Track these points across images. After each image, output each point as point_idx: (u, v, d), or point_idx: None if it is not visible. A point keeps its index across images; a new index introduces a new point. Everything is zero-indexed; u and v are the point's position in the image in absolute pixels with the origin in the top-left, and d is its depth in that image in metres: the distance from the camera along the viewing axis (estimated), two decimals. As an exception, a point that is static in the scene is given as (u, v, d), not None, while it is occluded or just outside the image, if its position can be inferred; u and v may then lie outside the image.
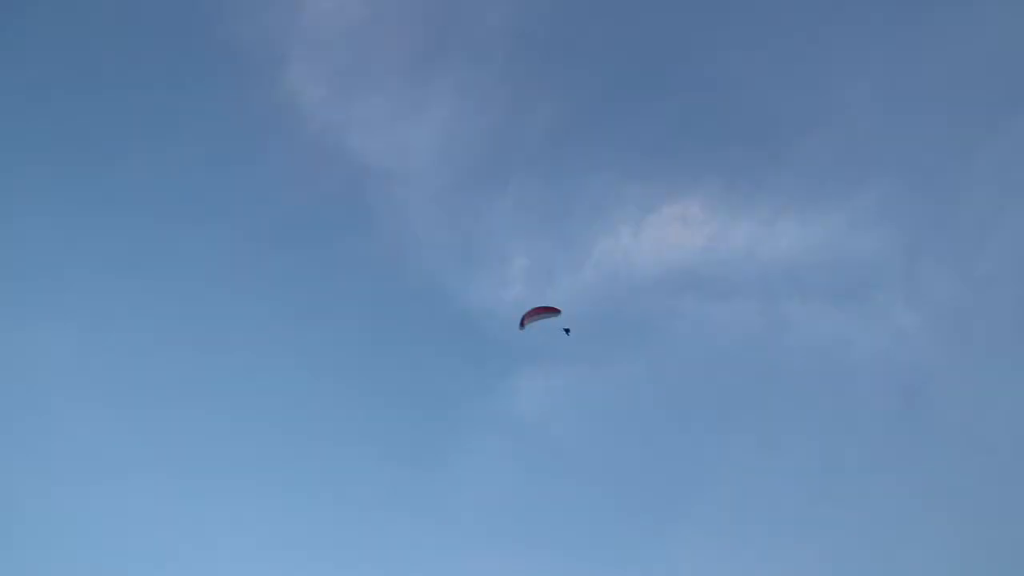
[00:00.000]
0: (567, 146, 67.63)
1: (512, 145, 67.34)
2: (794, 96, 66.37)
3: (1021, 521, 49.54)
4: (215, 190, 64.52)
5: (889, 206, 61.43)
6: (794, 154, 63.90)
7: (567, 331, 40.52)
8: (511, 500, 53.75)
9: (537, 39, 69.20)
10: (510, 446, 56.02)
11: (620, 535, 53.93)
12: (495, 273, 64.28)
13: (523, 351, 60.96)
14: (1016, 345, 55.79)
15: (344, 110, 67.09)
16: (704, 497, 55.26)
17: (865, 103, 63.51)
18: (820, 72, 66.38)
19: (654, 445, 57.60)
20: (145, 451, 52.22)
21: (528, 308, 39.93)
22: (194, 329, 59.07)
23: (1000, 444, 53.36)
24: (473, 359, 62.29)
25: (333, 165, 65.44)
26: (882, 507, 53.34)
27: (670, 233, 61.79)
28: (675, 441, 57.18)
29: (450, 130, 66.11)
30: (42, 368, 53.28)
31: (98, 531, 47.99)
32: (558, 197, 66.18)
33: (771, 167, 64.54)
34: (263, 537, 49.61)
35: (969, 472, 52.67)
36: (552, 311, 39.97)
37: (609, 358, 60.64)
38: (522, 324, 39.88)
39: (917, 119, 61.70)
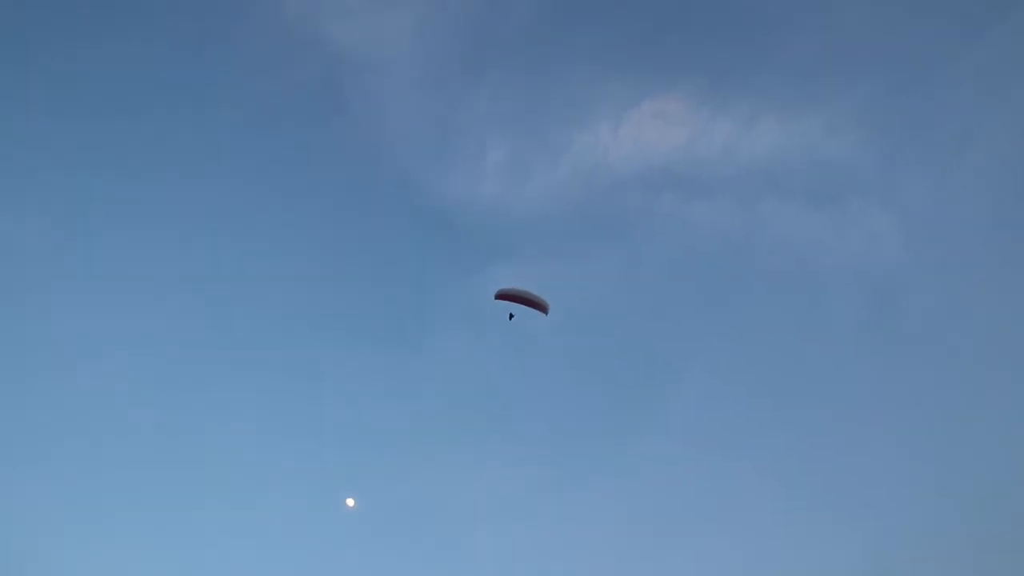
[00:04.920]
0: (547, 37, 65.79)
1: (490, 35, 65.27)
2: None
3: (984, 420, 50.49)
4: (186, 78, 62.22)
5: (868, 110, 61.35)
6: (776, 54, 63.25)
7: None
8: (484, 392, 54.00)
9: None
10: (484, 339, 55.98)
11: (590, 429, 54.41)
12: (470, 167, 63.44)
13: (497, 246, 60.65)
14: (988, 253, 56.27)
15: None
16: (675, 394, 55.70)
17: (849, 5, 62.55)
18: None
19: (628, 341, 57.95)
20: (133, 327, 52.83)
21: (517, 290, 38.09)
22: (164, 217, 58.22)
23: (967, 349, 54.19)
24: (447, 252, 62.56)
25: (307, 53, 63.27)
26: (848, 408, 54.14)
27: (649, 130, 60.87)
28: (649, 337, 57.53)
29: (426, 19, 63.81)
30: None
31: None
32: (536, 90, 65.08)
33: (752, 66, 63.89)
34: (245, 414, 51.58)
35: (937, 375, 53.57)
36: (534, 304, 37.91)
37: (585, 254, 60.84)
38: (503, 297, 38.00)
39: (900, 24, 60.88)
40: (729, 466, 51.57)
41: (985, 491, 47.25)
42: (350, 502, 47.41)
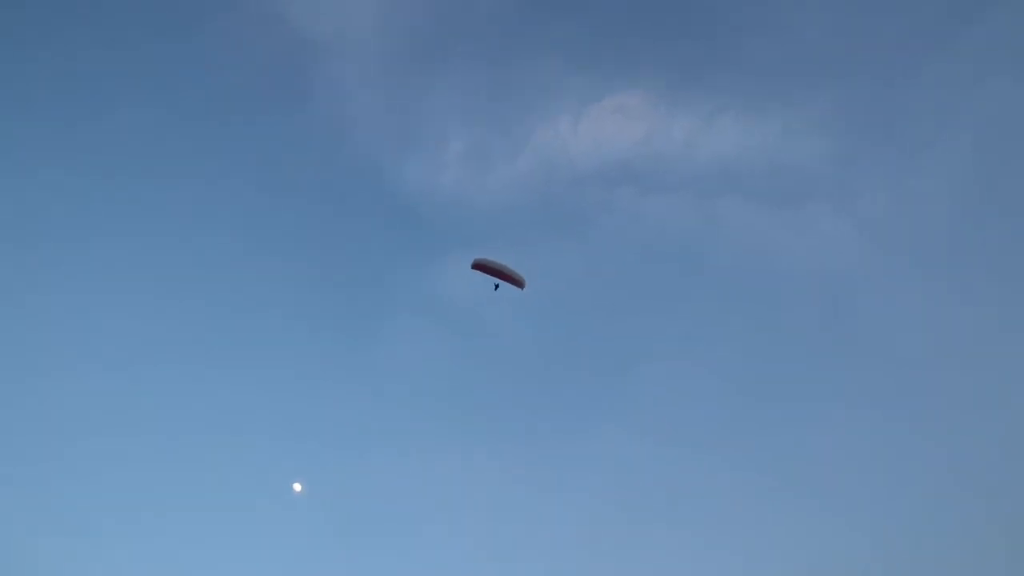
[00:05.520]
0: (511, 31, 65.61)
1: (454, 26, 64.94)
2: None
3: (935, 421, 52.29)
4: (148, 64, 62.08)
5: (828, 113, 61.55)
6: (739, 54, 62.91)
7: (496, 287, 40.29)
8: (442, 381, 55.71)
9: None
10: (441, 328, 57.49)
11: (550, 420, 56.35)
12: (431, 156, 63.73)
13: (458, 236, 61.54)
14: (943, 257, 57.12)
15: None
16: (633, 386, 57.45)
17: (812, 9, 61.49)
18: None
19: (588, 333, 59.25)
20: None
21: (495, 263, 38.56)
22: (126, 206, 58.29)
23: (921, 350, 55.64)
24: (407, 241, 63.13)
25: (271, 38, 62.82)
26: (800, 407, 56.09)
27: (609, 125, 61.03)
28: (608, 330, 58.75)
29: (392, 7, 63.67)
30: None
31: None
32: (499, 82, 65.00)
33: (714, 65, 63.80)
34: (201, 409, 51.96)
35: (890, 376, 55.25)
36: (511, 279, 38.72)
37: (545, 246, 61.41)
38: (480, 267, 38.44)
39: (862, 29, 60.28)
40: (688, 456, 53.12)
41: (932, 486, 49.67)
42: (297, 487, 48.10)
